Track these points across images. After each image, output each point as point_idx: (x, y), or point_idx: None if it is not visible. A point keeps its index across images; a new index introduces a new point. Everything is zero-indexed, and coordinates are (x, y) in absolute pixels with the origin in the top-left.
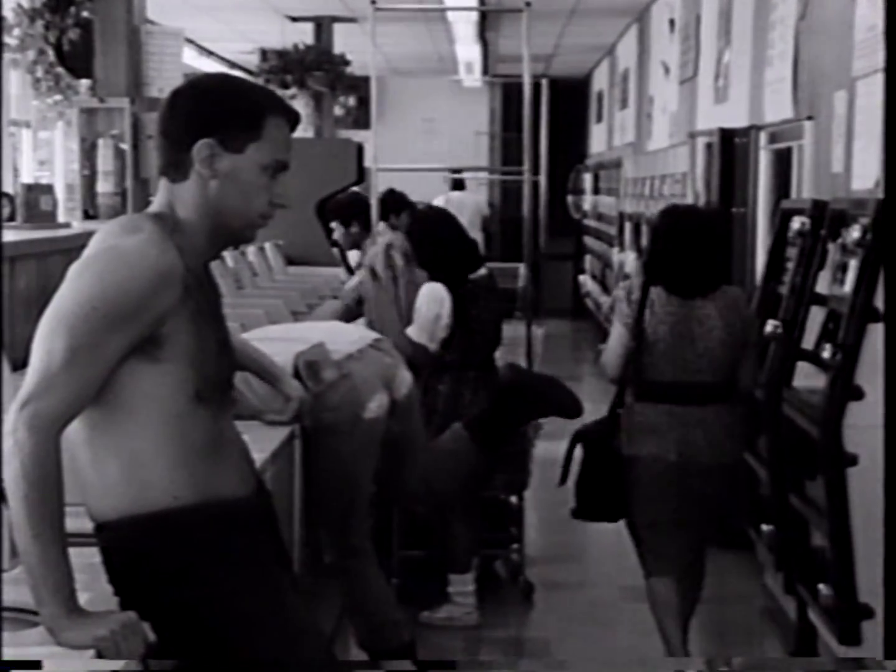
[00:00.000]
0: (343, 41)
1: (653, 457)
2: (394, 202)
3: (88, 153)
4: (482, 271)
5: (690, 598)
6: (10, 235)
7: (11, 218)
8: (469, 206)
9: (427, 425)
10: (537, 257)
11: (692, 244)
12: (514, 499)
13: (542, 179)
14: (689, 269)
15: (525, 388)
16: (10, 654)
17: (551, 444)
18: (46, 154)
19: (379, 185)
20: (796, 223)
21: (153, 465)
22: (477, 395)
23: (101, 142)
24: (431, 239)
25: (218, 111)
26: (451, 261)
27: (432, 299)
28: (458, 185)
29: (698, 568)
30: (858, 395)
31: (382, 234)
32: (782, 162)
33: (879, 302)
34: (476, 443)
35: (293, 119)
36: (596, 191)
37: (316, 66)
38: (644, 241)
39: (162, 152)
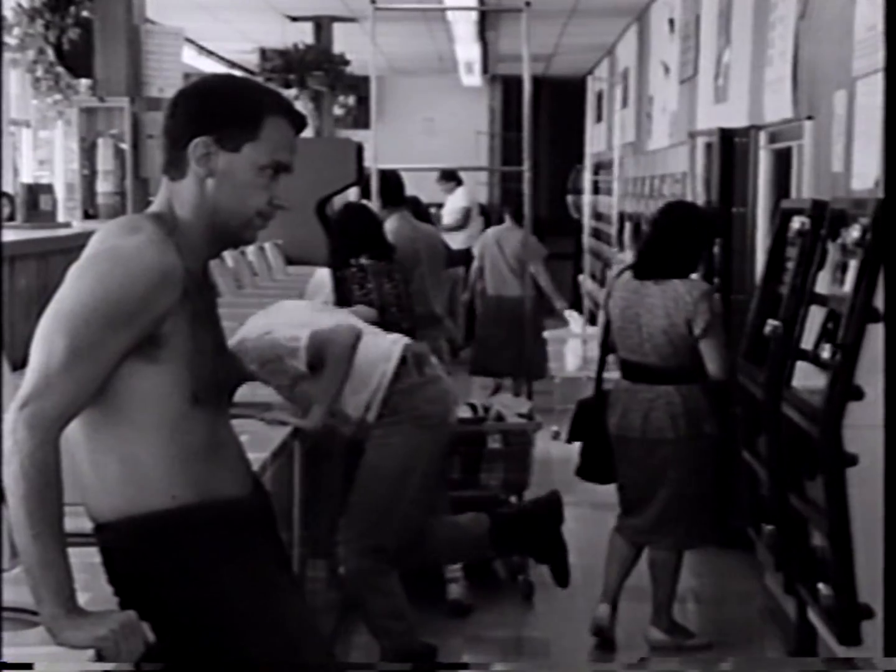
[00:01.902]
0: (343, 41)
1: (609, 427)
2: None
3: (88, 153)
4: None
5: (663, 572)
6: (10, 235)
7: (11, 217)
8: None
9: None
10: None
11: (653, 231)
12: (514, 499)
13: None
14: (645, 253)
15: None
16: (9, 654)
17: (550, 445)
18: (46, 153)
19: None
20: (796, 223)
21: (151, 466)
22: None
23: (100, 141)
24: (333, 229)
25: (215, 110)
26: (338, 247)
27: (313, 281)
28: (450, 176)
29: (669, 540)
30: (858, 395)
31: None
32: (782, 162)
33: (879, 302)
34: (492, 538)
35: (297, 122)
36: (595, 190)
37: (316, 65)
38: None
39: (164, 151)
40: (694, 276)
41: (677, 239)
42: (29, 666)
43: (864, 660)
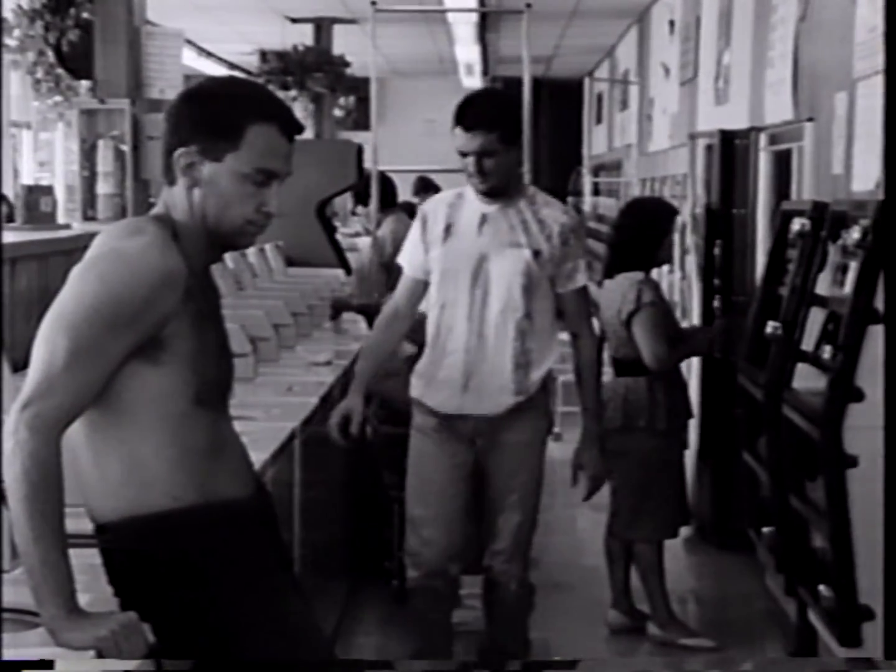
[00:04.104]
0: (343, 42)
1: None
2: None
3: (88, 154)
4: None
5: (641, 566)
6: (10, 237)
7: (10, 219)
8: None
9: None
10: None
11: (612, 229)
12: None
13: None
14: (608, 251)
15: None
16: (10, 654)
17: (551, 446)
18: (46, 155)
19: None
20: (796, 224)
21: (153, 467)
22: None
23: (101, 143)
24: None
25: (198, 119)
26: None
27: None
28: (427, 187)
29: (647, 532)
30: (858, 396)
31: None
32: (782, 163)
33: (880, 303)
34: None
35: (289, 127)
36: (596, 192)
37: (316, 67)
38: None
39: (162, 156)
40: (661, 270)
41: (627, 235)
42: (49, 664)
43: (888, 662)
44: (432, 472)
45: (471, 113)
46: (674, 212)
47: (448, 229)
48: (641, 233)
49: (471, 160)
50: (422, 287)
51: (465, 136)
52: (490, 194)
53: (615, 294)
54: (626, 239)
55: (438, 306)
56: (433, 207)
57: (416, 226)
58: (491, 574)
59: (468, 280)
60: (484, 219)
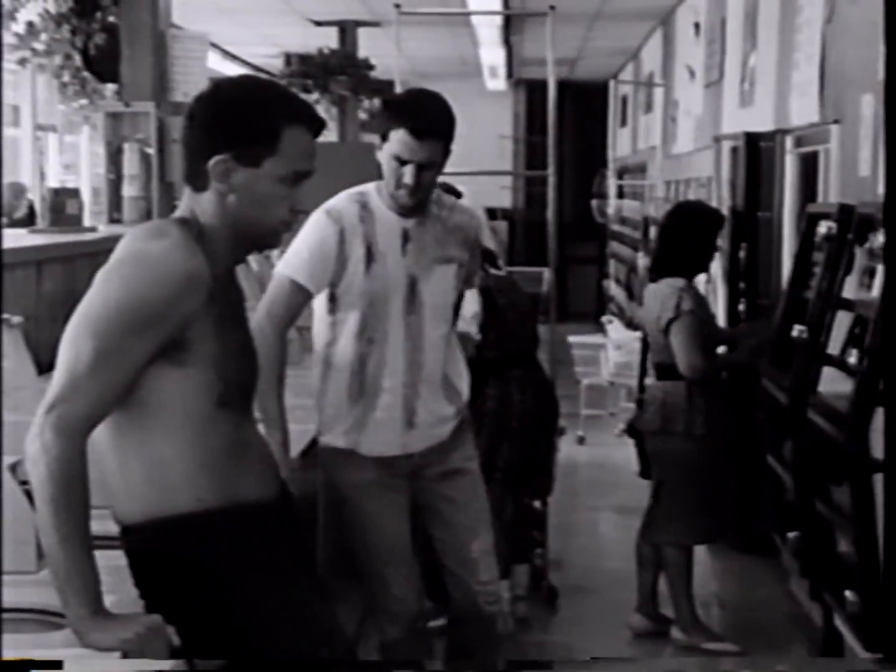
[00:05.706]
0: (367, 45)
1: None
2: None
3: (114, 157)
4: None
5: (668, 570)
6: (36, 239)
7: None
8: None
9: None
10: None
11: (657, 233)
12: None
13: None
14: (652, 255)
15: None
16: (36, 655)
17: (575, 449)
18: (72, 158)
19: None
20: (823, 227)
21: (177, 469)
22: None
23: (126, 146)
24: None
25: (232, 126)
26: None
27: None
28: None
29: (651, 534)
30: None
31: None
32: (808, 166)
33: None
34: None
35: (316, 126)
36: (620, 195)
37: (339, 70)
38: None
39: (184, 160)
40: (702, 275)
41: (673, 240)
42: (58, 664)
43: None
44: (384, 535)
45: (425, 118)
46: (721, 218)
47: (370, 251)
48: (687, 238)
49: (409, 170)
50: (307, 300)
51: (412, 142)
52: (411, 210)
53: (656, 300)
54: (671, 244)
55: (364, 340)
56: (349, 222)
57: (329, 236)
58: (478, 609)
59: (401, 308)
60: (406, 235)
